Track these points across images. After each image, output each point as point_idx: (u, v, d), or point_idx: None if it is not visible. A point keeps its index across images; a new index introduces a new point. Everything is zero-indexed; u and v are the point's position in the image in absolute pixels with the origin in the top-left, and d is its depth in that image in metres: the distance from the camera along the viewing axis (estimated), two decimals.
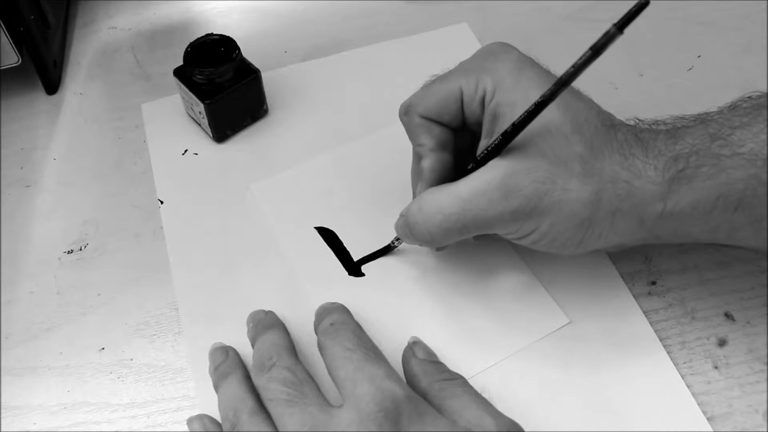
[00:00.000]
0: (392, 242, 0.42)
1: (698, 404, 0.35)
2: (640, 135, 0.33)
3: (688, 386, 0.35)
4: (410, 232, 0.36)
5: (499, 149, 0.33)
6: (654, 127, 0.34)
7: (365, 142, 0.48)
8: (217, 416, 0.34)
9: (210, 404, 0.36)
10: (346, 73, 0.53)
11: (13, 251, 0.45)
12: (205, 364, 0.37)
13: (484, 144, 0.36)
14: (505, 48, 0.36)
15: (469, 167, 0.35)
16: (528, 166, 0.32)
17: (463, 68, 0.37)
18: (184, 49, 0.46)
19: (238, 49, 0.46)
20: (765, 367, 0.36)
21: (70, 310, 0.42)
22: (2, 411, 0.38)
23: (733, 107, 0.33)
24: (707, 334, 0.37)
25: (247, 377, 0.35)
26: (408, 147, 0.40)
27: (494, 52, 0.36)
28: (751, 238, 0.33)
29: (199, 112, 0.47)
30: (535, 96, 0.32)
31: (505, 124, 0.34)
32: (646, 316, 0.38)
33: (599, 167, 0.32)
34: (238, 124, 0.49)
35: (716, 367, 0.36)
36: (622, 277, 0.40)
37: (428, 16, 0.57)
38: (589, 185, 0.32)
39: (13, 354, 0.40)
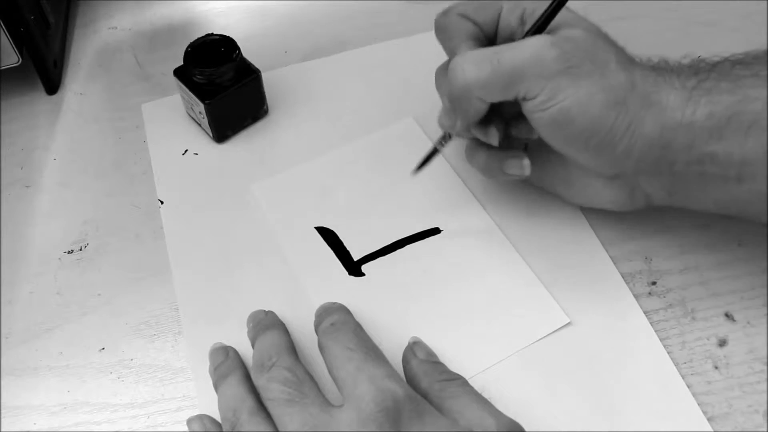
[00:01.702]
0: (437, 144, 0.41)
1: (698, 404, 0.35)
2: (660, 63, 0.36)
3: (688, 386, 0.35)
4: (451, 90, 0.36)
5: (540, 27, 0.35)
6: (675, 62, 0.36)
7: (365, 142, 0.48)
8: (217, 416, 0.34)
9: (210, 404, 0.36)
10: (346, 73, 0.53)
11: (13, 251, 0.45)
12: (205, 364, 0.37)
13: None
14: None
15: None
16: (572, 39, 0.34)
17: None
18: (184, 49, 0.46)
19: (239, 49, 0.46)
20: (765, 367, 0.36)
21: (70, 310, 0.42)
22: (2, 411, 0.38)
23: (748, 53, 0.35)
24: (707, 334, 0.37)
25: (247, 377, 0.35)
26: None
27: None
28: (759, 179, 0.33)
29: (199, 112, 0.47)
30: (572, 18, 0.35)
31: None
32: (646, 316, 0.38)
33: (630, 65, 0.35)
34: (238, 124, 0.49)
35: (716, 367, 0.36)
36: (623, 277, 0.40)
37: (428, 16, 0.56)
38: (623, 73, 0.34)
39: (13, 354, 0.40)
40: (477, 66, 0.34)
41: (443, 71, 0.40)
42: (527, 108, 0.35)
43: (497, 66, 0.34)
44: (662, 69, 0.35)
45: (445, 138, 0.41)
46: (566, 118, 0.34)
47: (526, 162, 0.39)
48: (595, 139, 0.34)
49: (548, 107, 0.34)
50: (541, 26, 0.35)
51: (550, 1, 0.35)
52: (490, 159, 0.40)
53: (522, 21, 0.37)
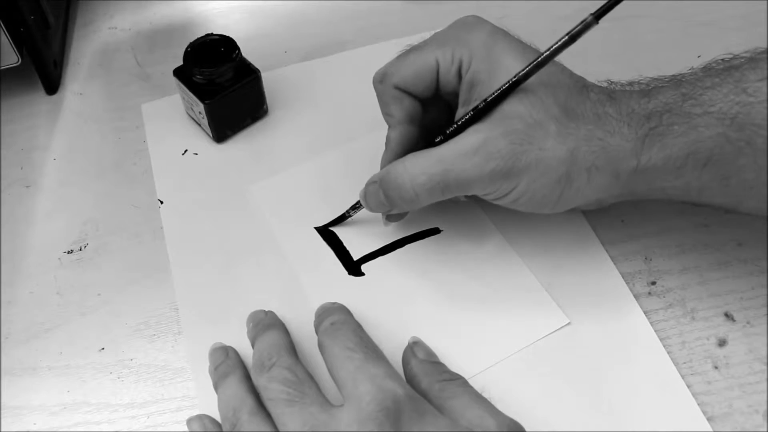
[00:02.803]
0: (348, 211, 0.43)
1: (698, 404, 0.35)
2: (613, 95, 0.35)
3: (688, 386, 0.35)
4: (390, 193, 0.37)
5: (473, 120, 0.35)
6: (628, 88, 0.36)
7: (365, 142, 0.48)
8: (217, 416, 0.34)
9: (210, 404, 0.36)
10: (346, 73, 0.53)
11: (13, 251, 0.45)
12: (205, 364, 0.37)
13: (462, 111, 0.37)
14: (478, 20, 0.38)
15: (437, 140, 0.37)
16: (505, 130, 0.34)
17: (438, 40, 0.38)
18: (184, 49, 0.46)
19: (238, 49, 0.46)
20: (765, 367, 0.36)
21: (70, 310, 0.42)
22: (2, 411, 0.38)
23: (705, 69, 0.34)
24: (707, 334, 0.37)
25: (247, 377, 0.35)
26: None
27: (468, 24, 0.38)
28: (718, 196, 0.34)
29: (199, 112, 0.47)
30: (510, 63, 0.34)
31: (483, 91, 0.35)
32: (646, 316, 0.38)
33: (574, 127, 0.34)
34: (238, 124, 0.49)
35: (716, 367, 0.36)
36: (622, 277, 0.40)
37: (428, 16, 0.57)
38: (564, 144, 0.34)
39: (13, 354, 0.40)
40: (428, 193, 0.36)
41: (382, 85, 0.40)
42: (481, 194, 0.37)
43: (446, 189, 0.35)
44: (610, 117, 0.34)
45: (358, 207, 0.42)
46: (516, 204, 0.36)
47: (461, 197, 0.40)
48: (547, 208, 0.36)
49: (497, 199, 0.36)
50: (471, 120, 0.35)
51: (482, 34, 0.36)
52: None
53: (460, 75, 0.37)
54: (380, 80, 0.39)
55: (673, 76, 0.35)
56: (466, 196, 0.40)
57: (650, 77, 0.36)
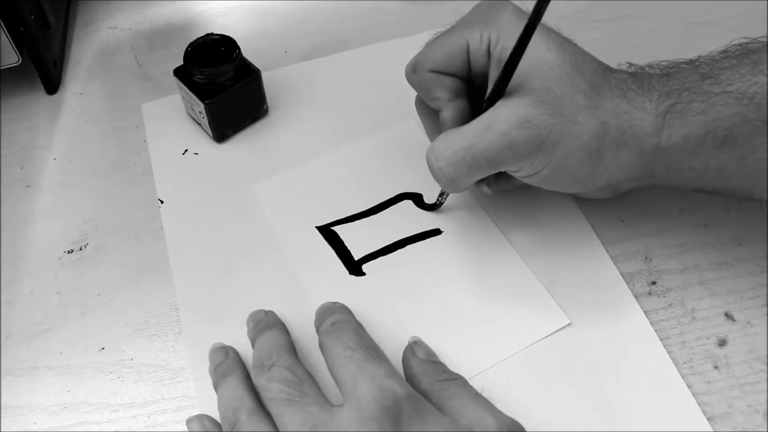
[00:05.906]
0: (438, 199, 0.43)
1: (698, 404, 0.35)
2: (635, 74, 0.36)
3: (688, 386, 0.35)
4: (434, 175, 0.37)
5: (504, 82, 0.34)
6: (648, 69, 0.37)
7: (366, 142, 0.48)
8: (217, 416, 0.34)
9: (210, 404, 0.36)
10: (346, 73, 0.53)
11: (13, 251, 0.45)
12: (205, 364, 0.37)
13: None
14: (502, 1, 0.38)
15: (484, 107, 0.36)
16: (536, 100, 0.34)
17: (466, 22, 0.38)
18: (184, 49, 0.46)
19: (239, 49, 0.46)
20: (765, 367, 0.36)
21: (70, 310, 0.42)
22: (2, 411, 0.38)
23: (722, 52, 0.35)
24: (707, 334, 0.37)
25: (247, 377, 0.35)
26: (409, 146, 0.40)
27: (493, 5, 0.38)
28: (736, 177, 0.35)
29: (199, 112, 0.47)
30: (536, 39, 0.34)
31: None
32: (646, 316, 0.38)
33: (601, 101, 0.34)
34: (238, 124, 0.49)
35: (716, 367, 0.36)
36: (623, 277, 0.40)
37: (428, 16, 0.57)
38: (594, 117, 0.34)
39: (13, 354, 0.40)
40: (455, 170, 0.36)
41: (421, 103, 0.41)
42: (510, 173, 0.37)
43: (474, 164, 0.35)
44: (634, 92, 0.35)
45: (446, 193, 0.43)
46: (546, 181, 0.36)
47: (485, 189, 0.41)
48: (577, 185, 0.37)
49: (529, 176, 0.36)
50: (502, 84, 0.34)
51: (516, 40, 0.34)
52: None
53: (489, 54, 0.37)
54: (413, 70, 0.39)
55: (690, 59, 0.36)
56: (489, 186, 0.40)
57: (668, 60, 0.36)
